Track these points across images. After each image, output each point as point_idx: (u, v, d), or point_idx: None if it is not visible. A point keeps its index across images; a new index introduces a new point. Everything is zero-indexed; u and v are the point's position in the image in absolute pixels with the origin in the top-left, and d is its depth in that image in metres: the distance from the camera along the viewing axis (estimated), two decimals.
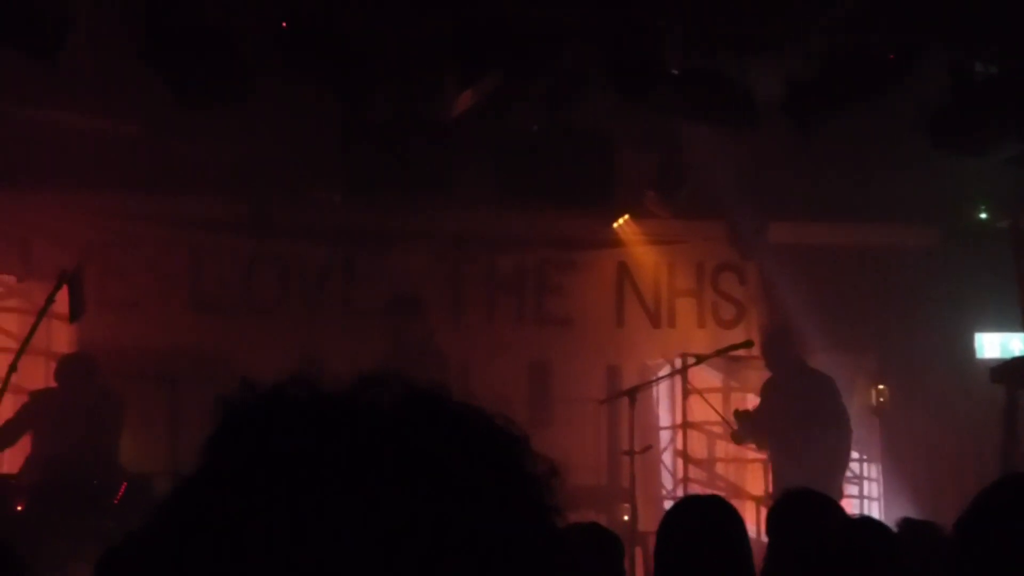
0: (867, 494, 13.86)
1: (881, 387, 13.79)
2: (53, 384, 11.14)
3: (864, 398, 13.62)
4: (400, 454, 1.21)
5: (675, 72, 10.86)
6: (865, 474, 13.88)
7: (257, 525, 1.17)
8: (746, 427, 12.12)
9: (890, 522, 6.10)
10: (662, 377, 13.40)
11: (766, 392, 12.20)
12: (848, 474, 13.41)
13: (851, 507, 12.67)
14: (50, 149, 11.87)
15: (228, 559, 1.17)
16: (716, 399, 13.69)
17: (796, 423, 11.62)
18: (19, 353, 9.92)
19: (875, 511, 13.36)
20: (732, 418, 12.30)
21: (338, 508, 1.17)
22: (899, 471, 13.85)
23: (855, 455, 13.28)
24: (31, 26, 9.67)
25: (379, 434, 1.22)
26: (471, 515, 1.20)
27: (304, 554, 1.16)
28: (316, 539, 1.16)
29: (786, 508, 5.95)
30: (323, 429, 1.22)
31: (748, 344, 12.15)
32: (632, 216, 13.96)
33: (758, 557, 5.45)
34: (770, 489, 12.39)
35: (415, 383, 1.28)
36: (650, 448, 12.26)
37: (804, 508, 5.91)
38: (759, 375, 12.51)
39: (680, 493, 13.09)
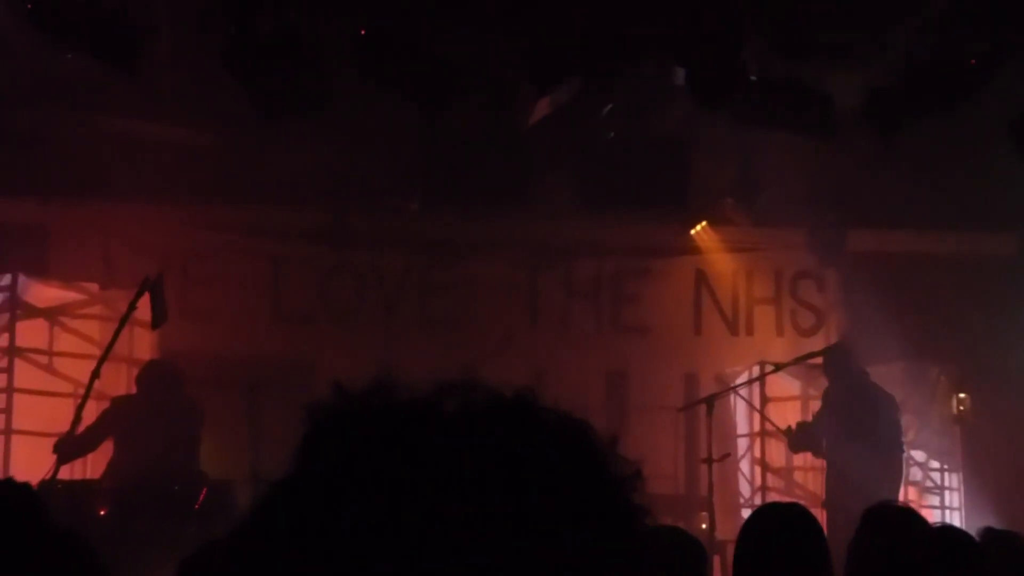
0: (948, 504, 13.69)
1: (962, 396, 13.63)
2: (134, 390, 11.22)
3: (945, 407, 13.46)
4: (487, 460, 1.21)
5: (753, 79, 10.79)
6: (946, 484, 13.72)
7: (345, 533, 1.18)
8: (803, 434, 12.01)
9: (972, 531, 6.02)
10: (740, 385, 13.31)
11: (825, 401, 12.07)
12: (928, 484, 13.28)
13: (932, 517, 12.51)
14: (132, 159, 11.98)
15: (317, 567, 1.18)
16: (794, 407, 13.61)
17: (848, 438, 11.48)
18: (101, 359, 10.00)
19: (956, 521, 13.18)
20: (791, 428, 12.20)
21: (427, 516, 1.17)
22: (980, 481, 13.67)
23: (935, 465, 13.13)
24: (111, 35, 9.76)
25: (466, 440, 1.22)
26: (558, 519, 1.20)
27: (393, 562, 1.16)
28: (405, 547, 1.16)
29: (869, 519, 5.89)
30: (411, 436, 1.23)
31: (827, 352, 12.04)
32: (710, 223, 13.89)
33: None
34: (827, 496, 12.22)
35: (496, 389, 1.27)
36: (728, 456, 12.18)
37: (887, 518, 5.84)
38: None
39: (758, 501, 12.99)
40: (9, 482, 5.00)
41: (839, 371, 11.96)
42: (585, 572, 1.20)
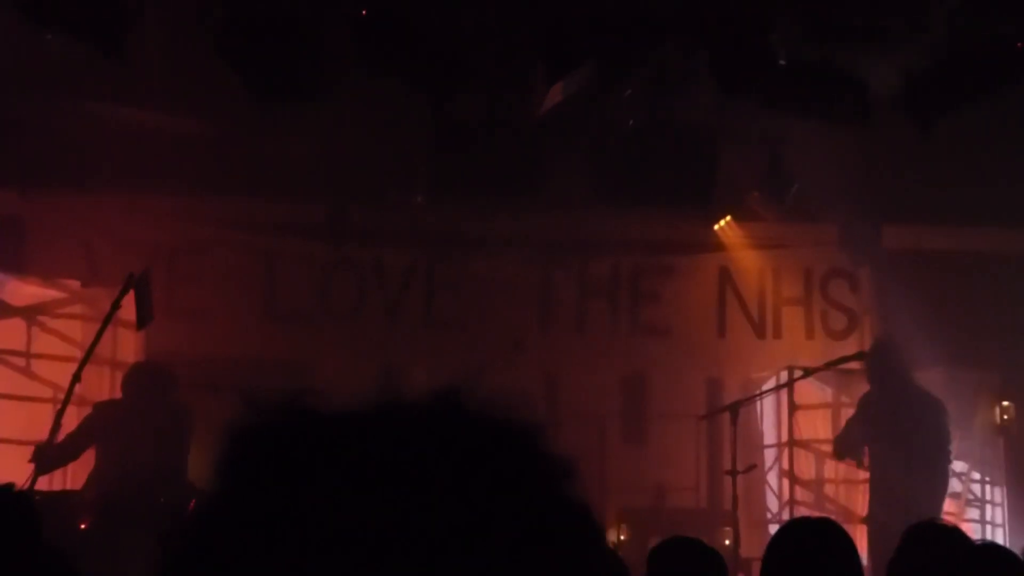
0: (990, 519, 13.67)
1: (1006, 404, 13.59)
2: (119, 395, 11.22)
3: (987, 416, 13.42)
4: (414, 464, 1.23)
5: (782, 64, 10.78)
6: (988, 498, 13.69)
7: (262, 550, 1.21)
8: (845, 442, 12.01)
9: (1016, 549, 5.99)
10: (767, 391, 13.31)
11: (864, 407, 12.00)
12: (969, 496, 13.24)
13: (972, 532, 12.48)
14: (117, 148, 11.99)
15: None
16: (825, 415, 13.59)
17: (892, 446, 11.43)
18: (83, 362, 9.98)
19: (999, 538, 13.16)
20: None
21: (342, 529, 1.20)
22: None
23: (976, 476, 13.08)
24: (95, 17, 9.75)
25: (383, 450, 1.25)
26: (482, 524, 1.21)
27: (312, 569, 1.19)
28: (320, 556, 1.20)
29: (911, 537, 5.88)
30: (317, 450, 1.26)
31: (860, 356, 12.03)
32: (735, 218, 13.89)
33: None
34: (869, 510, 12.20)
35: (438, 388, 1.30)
36: (754, 467, 12.16)
37: (930, 537, 5.83)
38: None
39: (786, 516, 12.98)
40: (8, 490, 4.98)
41: (883, 374, 11.90)
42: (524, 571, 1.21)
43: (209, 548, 1.24)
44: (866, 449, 11.90)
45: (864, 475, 12.67)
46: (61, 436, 10.12)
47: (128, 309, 10.11)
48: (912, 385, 11.92)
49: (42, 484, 10.08)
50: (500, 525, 1.21)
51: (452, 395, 1.29)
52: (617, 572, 5.60)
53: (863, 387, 12.62)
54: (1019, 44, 10.31)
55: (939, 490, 11.65)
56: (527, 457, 1.27)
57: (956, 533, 6.21)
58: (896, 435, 11.45)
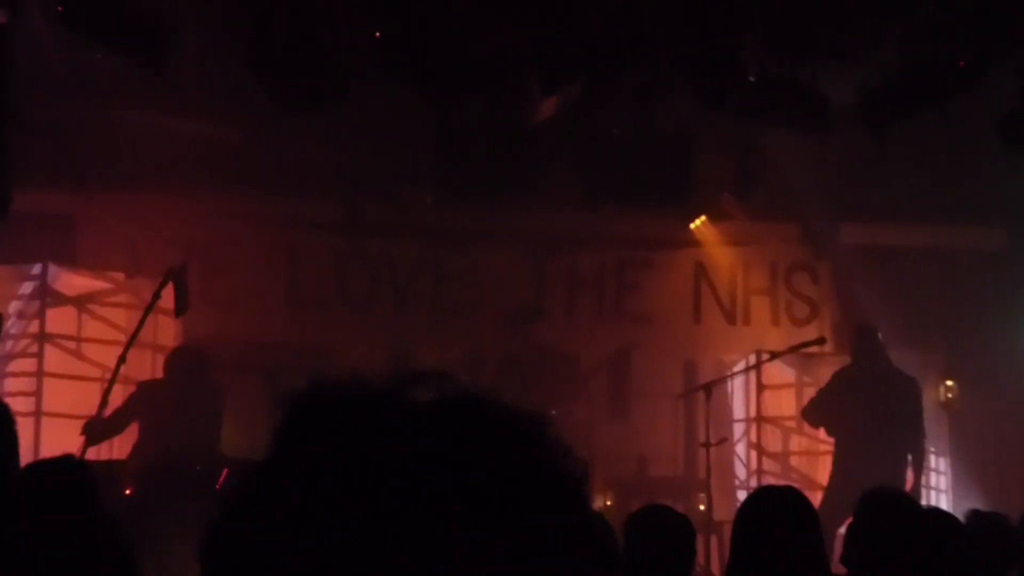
0: (935, 486, 13.71)
1: (949, 383, 13.65)
2: (160, 375, 11.25)
3: (933, 394, 13.46)
4: (425, 454, 1.22)
5: (752, 78, 10.80)
6: (933, 467, 13.73)
7: (312, 518, 1.20)
8: (816, 411, 12.00)
9: (958, 513, 6.05)
10: (737, 372, 13.33)
11: (841, 382, 11.92)
12: None
13: (920, 499, 12.53)
14: (157, 152, 11.99)
15: (286, 550, 1.21)
16: (790, 394, 13.62)
17: (874, 421, 11.40)
18: (127, 346, 10.02)
19: (943, 503, 13.22)
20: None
21: (386, 505, 1.19)
22: (967, 464, 13.70)
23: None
24: (139, 34, 9.79)
25: (411, 431, 1.24)
26: (512, 511, 1.22)
27: (357, 550, 1.19)
28: (366, 535, 1.19)
29: (866, 502, 5.92)
30: (376, 425, 1.25)
31: (821, 341, 12.05)
32: (709, 217, 13.91)
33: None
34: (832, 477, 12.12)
35: (457, 381, 1.29)
36: (725, 441, 12.19)
37: (884, 502, 5.87)
38: (832, 371, 12.35)
39: (754, 484, 12.99)
40: (71, 459, 4.99)
41: (867, 353, 11.88)
42: (533, 562, 1.21)
43: (263, 506, 1.24)
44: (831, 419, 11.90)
45: (825, 447, 12.70)
46: (108, 411, 10.15)
47: (168, 298, 10.13)
48: (892, 366, 11.91)
49: (91, 454, 10.10)
50: (500, 518, 1.21)
51: (474, 388, 1.29)
52: (605, 533, 5.65)
53: (824, 368, 12.66)
54: (961, 63, 10.35)
55: (915, 459, 11.58)
56: (536, 445, 1.28)
57: (907, 499, 6.26)
58: (877, 414, 11.40)
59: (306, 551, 1.20)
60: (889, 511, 5.68)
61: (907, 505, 6.11)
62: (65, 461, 4.81)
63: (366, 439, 1.24)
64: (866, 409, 11.48)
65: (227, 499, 1.29)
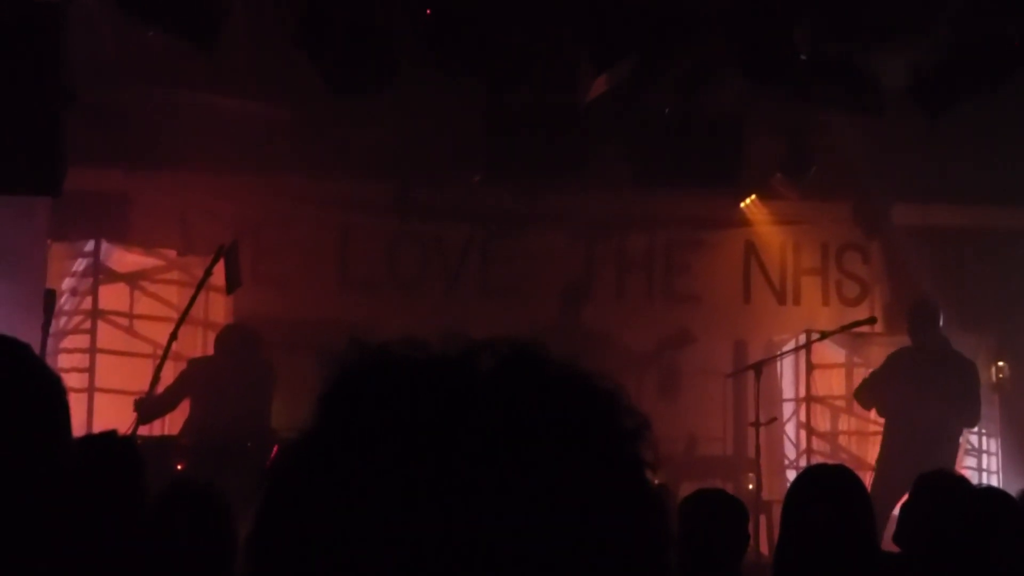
0: (985, 467, 13.62)
1: (1001, 364, 13.55)
2: (211, 352, 11.30)
3: (984, 375, 13.35)
4: (491, 414, 1.20)
5: (804, 58, 10.73)
6: (984, 448, 13.65)
7: (363, 485, 1.18)
8: (869, 391, 11.91)
9: (1011, 492, 6.01)
10: (787, 352, 13.27)
11: (897, 363, 11.80)
12: (968, 446, 13.18)
13: (971, 478, 12.45)
14: (208, 131, 12.02)
15: (333, 519, 1.19)
16: (840, 374, 13.56)
17: (931, 402, 11.27)
18: (179, 322, 10.08)
19: (994, 484, 13.11)
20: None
21: (430, 470, 1.17)
22: (1018, 445, 13.61)
23: (975, 429, 13.01)
24: (190, 14, 9.81)
25: (472, 394, 1.22)
26: (560, 472, 1.19)
27: (407, 517, 1.16)
28: (420, 502, 1.17)
29: (921, 485, 5.89)
30: (419, 391, 1.23)
31: (872, 320, 11.99)
32: (759, 197, 13.82)
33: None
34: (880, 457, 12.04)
35: (518, 346, 1.26)
36: (775, 420, 12.15)
37: (940, 485, 5.85)
38: (882, 351, 12.29)
39: (803, 463, 12.96)
40: (114, 435, 5.01)
41: (926, 328, 11.76)
42: (585, 526, 1.19)
43: (325, 474, 1.22)
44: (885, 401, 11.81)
45: (875, 428, 12.64)
46: (160, 388, 10.23)
47: (219, 276, 10.19)
48: (950, 346, 11.81)
49: (143, 430, 10.18)
50: (565, 478, 1.19)
51: (535, 349, 1.27)
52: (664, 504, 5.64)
53: (874, 348, 12.59)
54: (1016, 43, 10.24)
55: (958, 446, 11.49)
56: (604, 413, 1.25)
57: (963, 480, 6.22)
58: (933, 393, 11.27)
59: (371, 519, 1.17)
60: (945, 491, 5.65)
61: (962, 485, 6.08)
62: (109, 437, 4.83)
63: (431, 403, 1.21)
64: (923, 390, 11.37)
65: (282, 467, 1.27)
